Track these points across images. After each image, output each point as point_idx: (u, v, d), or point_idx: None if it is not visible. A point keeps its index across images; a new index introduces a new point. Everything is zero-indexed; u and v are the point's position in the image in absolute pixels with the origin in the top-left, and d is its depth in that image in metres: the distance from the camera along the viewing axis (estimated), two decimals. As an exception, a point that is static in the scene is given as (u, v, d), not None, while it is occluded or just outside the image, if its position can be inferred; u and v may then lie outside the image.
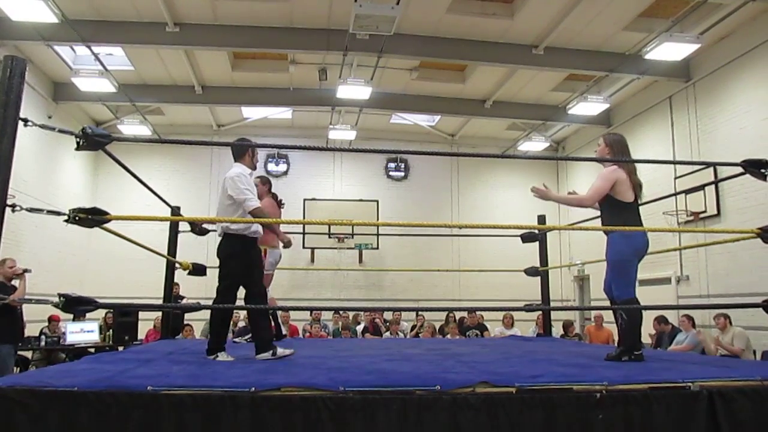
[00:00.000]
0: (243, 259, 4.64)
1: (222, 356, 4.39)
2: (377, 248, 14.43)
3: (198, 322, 11.14)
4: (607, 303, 4.65)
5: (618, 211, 4.43)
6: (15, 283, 7.26)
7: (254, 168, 4.89)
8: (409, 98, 13.15)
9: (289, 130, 15.17)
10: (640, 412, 3.01)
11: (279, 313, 11.18)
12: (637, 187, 4.51)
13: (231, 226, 4.57)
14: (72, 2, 8.99)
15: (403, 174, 15.70)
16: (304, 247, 14.07)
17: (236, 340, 6.50)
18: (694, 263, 10.75)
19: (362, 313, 12.62)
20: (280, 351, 4.40)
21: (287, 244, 5.66)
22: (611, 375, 3.36)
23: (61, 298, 3.07)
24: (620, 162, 4.52)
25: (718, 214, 10.08)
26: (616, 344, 4.90)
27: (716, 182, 9.77)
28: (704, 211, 10.28)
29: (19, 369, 9.03)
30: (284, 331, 7.24)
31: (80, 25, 9.38)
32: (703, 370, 3.75)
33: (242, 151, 4.79)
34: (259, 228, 4.77)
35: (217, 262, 4.68)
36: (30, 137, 10.31)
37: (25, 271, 7.19)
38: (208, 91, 12.54)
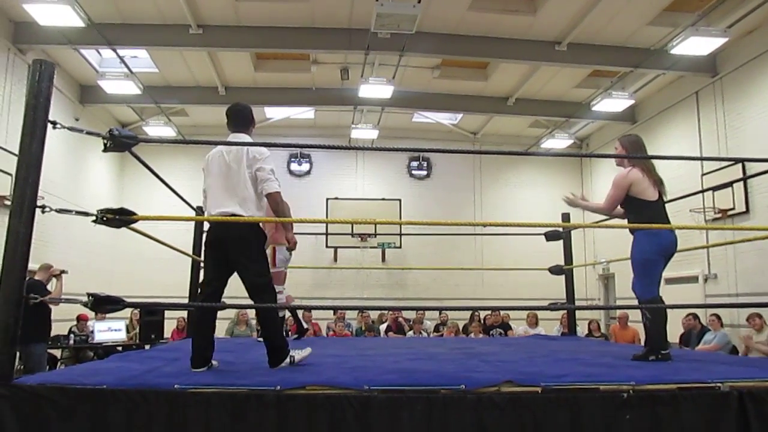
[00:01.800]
0: (263, 245, 3.99)
1: (298, 353, 3.87)
2: (400, 247, 14.43)
3: (221, 322, 11.19)
4: (633, 302, 4.59)
5: (642, 209, 4.37)
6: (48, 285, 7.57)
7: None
8: (431, 97, 13.12)
9: (312, 129, 15.23)
10: (668, 413, 2.97)
11: (301, 311, 11.23)
12: (658, 183, 4.45)
13: (253, 210, 3.86)
14: (97, 6, 9.12)
15: (425, 173, 15.67)
16: (327, 247, 14.14)
17: (260, 339, 6.52)
18: (722, 261, 10.58)
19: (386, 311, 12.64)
20: (297, 356, 3.84)
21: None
22: (638, 375, 3.32)
23: (90, 298, 3.12)
24: (635, 160, 4.47)
25: (747, 211, 9.91)
26: (642, 344, 4.86)
27: (745, 179, 9.59)
28: (732, 209, 10.11)
29: (48, 367, 9.21)
30: (305, 326, 7.22)
31: (106, 29, 9.52)
32: (732, 370, 3.69)
33: (248, 118, 4.12)
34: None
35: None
36: (58, 139, 10.48)
37: (62, 272, 7.53)
38: (231, 92, 12.63)
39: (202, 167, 4.08)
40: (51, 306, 7.61)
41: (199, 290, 3.93)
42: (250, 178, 3.85)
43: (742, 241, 7.19)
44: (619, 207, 4.60)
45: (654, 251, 4.33)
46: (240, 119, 4.09)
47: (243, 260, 3.81)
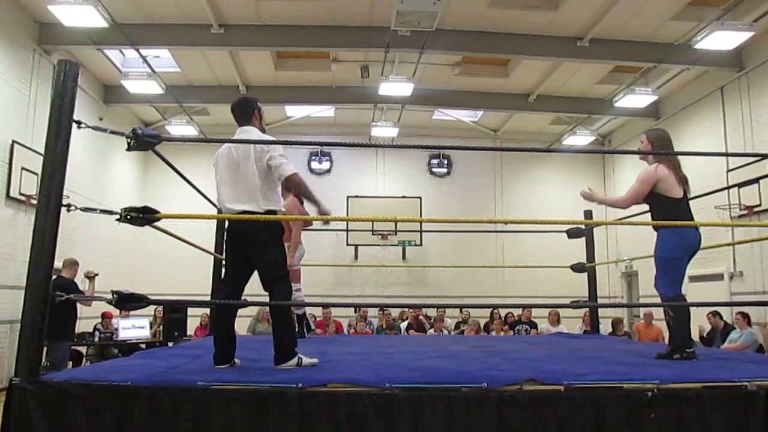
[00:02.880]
0: (281, 239, 3.91)
1: (306, 359, 3.70)
2: (420, 245, 14.41)
3: (242, 319, 11.25)
4: (656, 300, 4.55)
5: (667, 207, 4.31)
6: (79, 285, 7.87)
7: (264, 132, 4.17)
8: (452, 94, 13.07)
9: (332, 127, 15.27)
10: (694, 412, 2.93)
11: (321, 310, 11.23)
12: (683, 181, 4.39)
13: (268, 203, 3.80)
14: (120, 7, 9.22)
15: (445, 170, 15.62)
16: (347, 245, 14.17)
17: None
18: (748, 259, 10.41)
19: (406, 309, 12.63)
20: (305, 360, 3.68)
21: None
22: (663, 373, 3.28)
23: (114, 295, 3.16)
24: (661, 155, 4.41)
25: (774, 207, 9.74)
26: (666, 342, 4.82)
27: (772, 175, 9.43)
28: (759, 205, 9.93)
29: (72, 363, 9.36)
30: (312, 327, 7.16)
31: (129, 29, 9.61)
32: (759, 369, 3.62)
33: (249, 110, 4.12)
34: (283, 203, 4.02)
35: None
36: (82, 139, 10.63)
37: (96, 275, 7.83)
38: (252, 91, 12.69)
39: (213, 164, 4.06)
40: (81, 305, 7.85)
41: (218, 287, 3.90)
42: (260, 171, 3.77)
43: (769, 238, 7.06)
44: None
45: (679, 249, 4.28)
46: (241, 113, 4.10)
47: (255, 253, 3.77)
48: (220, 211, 6.15)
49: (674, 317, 4.28)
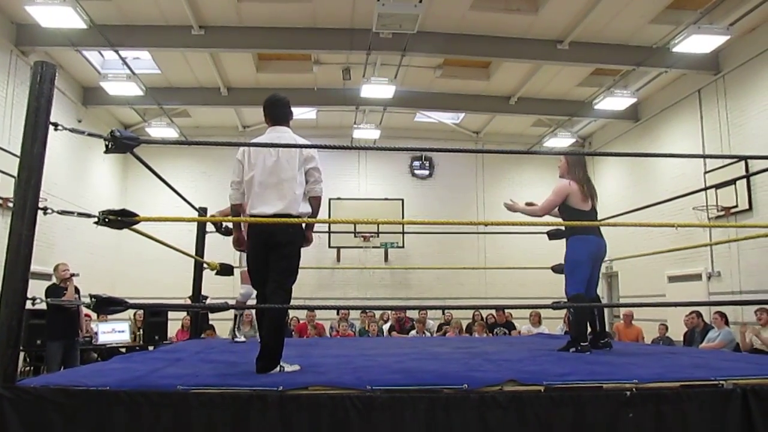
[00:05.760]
0: (300, 247, 3.86)
1: (288, 367, 3.63)
2: (403, 247, 14.42)
3: (222, 323, 11.18)
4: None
5: (576, 218, 4.97)
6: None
7: None
8: (433, 96, 13.11)
9: (314, 130, 15.21)
10: (672, 411, 2.97)
11: (306, 312, 11.20)
12: (593, 197, 5.15)
13: (301, 208, 3.78)
14: (100, 8, 9.12)
15: (427, 172, 15.65)
16: (330, 247, 14.15)
17: None
18: (725, 259, 10.55)
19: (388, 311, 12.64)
20: (288, 368, 3.61)
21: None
22: (641, 373, 3.32)
23: (93, 299, 3.13)
24: (574, 175, 5.19)
25: (750, 208, 9.88)
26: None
27: (748, 176, 9.56)
28: (735, 206, 10.08)
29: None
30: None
31: (108, 31, 9.52)
32: (736, 367, 3.68)
33: (287, 111, 4.08)
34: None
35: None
36: (60, 141, 10.51)
37: (73, 275, 7.74)
38: (234, 93, 12.65)
39: (237, 157, 3.96)
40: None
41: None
42: (302, 175, 3.79)
43: (746, 238, 7.16)
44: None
45: (583, 253, 4.98)
46: (279, 114, 4.03)
47: (276, 255, 3.71)
48: (200, 214, 6.09)
49: (574, 314, 4.97)
